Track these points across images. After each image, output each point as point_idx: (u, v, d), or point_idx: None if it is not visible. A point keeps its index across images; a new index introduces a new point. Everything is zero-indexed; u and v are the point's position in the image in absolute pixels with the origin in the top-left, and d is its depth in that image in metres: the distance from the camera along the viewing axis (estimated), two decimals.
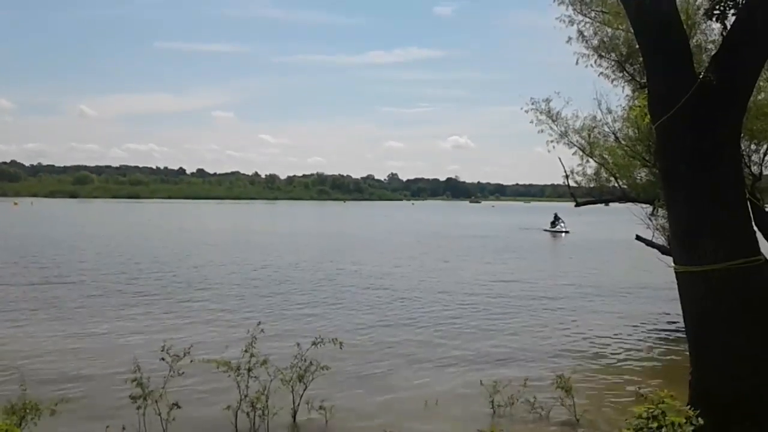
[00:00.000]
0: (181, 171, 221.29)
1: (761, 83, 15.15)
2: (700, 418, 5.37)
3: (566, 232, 57.76)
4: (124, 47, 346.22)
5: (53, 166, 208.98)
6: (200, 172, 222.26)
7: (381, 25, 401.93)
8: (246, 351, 8.84)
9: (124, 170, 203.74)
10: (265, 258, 32.25)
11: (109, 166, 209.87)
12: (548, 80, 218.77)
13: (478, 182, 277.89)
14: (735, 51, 6.16)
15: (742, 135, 8.85)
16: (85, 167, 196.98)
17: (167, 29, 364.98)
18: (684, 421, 5.38)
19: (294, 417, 9.09)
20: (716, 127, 6.07)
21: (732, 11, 6.51)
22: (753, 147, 17.41)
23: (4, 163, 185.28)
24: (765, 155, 17.80)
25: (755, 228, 6.95)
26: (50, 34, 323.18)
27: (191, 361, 8.63)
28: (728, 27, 6.50)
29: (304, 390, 9.11)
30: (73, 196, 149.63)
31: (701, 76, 6.14)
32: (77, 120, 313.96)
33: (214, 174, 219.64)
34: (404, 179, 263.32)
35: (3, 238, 39.57)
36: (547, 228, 61.04)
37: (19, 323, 15.68)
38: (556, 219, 60.69)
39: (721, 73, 6.06)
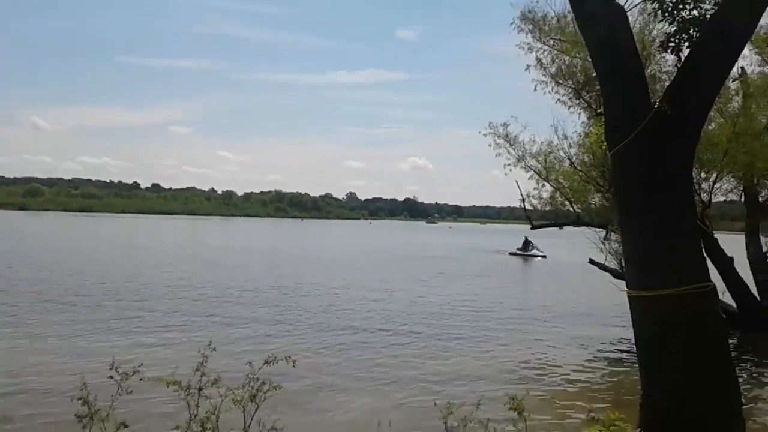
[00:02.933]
0: (136, 185, 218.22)
1: (711, 113, 15.62)
2: None
3: (543, 256, 56.16)
4: (82, 60, 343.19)
5: (3, 177, 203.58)
6: (155, 187, 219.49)
7: (344, 47, 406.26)
8: (197, 370, 8.65)
9: (76, 183, 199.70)
10: (218, 276, 31.83)
11: (61, 179, 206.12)
12: (507, 105, 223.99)
13: (436, 203, 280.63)
14: (689, 82, 6.32)
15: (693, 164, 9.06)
16: (36, 179, 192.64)
17: (128, 43, 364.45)
18: None
19: None
20: (670, 156, 6.20)
21: (686, 44, 6.68)
22: (703, 175, 17.94)
23: None
24: (714, 184, 18.34)
25: (705, 254, 7.10)
26: (4, 43, 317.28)
27: (141, 380, 8.38)
28: (682, 59, 6.67)
29: (256, 410, 8.93)
30: (22, 208, 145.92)
31: (656, 106, 6.27)
32: (30, 132, 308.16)
33: (170, 189, 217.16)
34: (363, 198, 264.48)
35: None
36: (516, 251, 59.60)
37: None
38: (527, 243, 59.04)
39: (675, 103, 6.20)
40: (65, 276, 28.26)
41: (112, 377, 8.22)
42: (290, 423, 9.35)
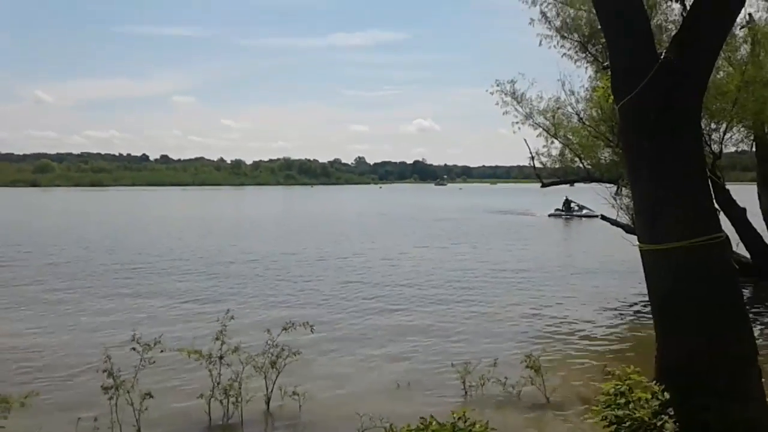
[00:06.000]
0: (145, 157, 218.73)
1: (719, 62, 15.43)
2: (665, 393, 5.51)
3: (596, 216, 48.96)
4: (80, 32, 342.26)
5: (12, 154, 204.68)
6: (164, 159, 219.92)
7: (343, 8, 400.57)
8: (217, 339, 8.82)
9: (85, 157, 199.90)
10: (234, 246, 31.98)
11: (70, 153, 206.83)
12: (512, 61, 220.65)
13: (445, 164, 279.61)
14: (695, 31, 6.25)
15: (702, 114, 8.99)
16: (45, 155, 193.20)
17: (125, 13, 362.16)
18: (650, 396, 5.52)
19: (268, 404, 9.10)
20: (678, 107, 6.17)
21: None
22: (713, 126, 17.78)
23: None
24: (724, 134, 18.19)
25: (716, 205, 7.10)
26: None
27: (162, 351, 8.57)
28: (688, 8, 6.59)
29: (277, 376, 9.13)
30: (34, 184, 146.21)
31: (663, 56, 6.22)
32: (33, 106, 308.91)
33: (178, 160, 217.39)
34: (371, 162, 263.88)
35: None
36: (556, 212, 54.89)
37: None
38: (569, 202, 54.57)
39: (682, 53, 6.14)
40: (82, 252, 28.52)
41: (134, 349, 8.41)
42: (310, 388, 9.55)
